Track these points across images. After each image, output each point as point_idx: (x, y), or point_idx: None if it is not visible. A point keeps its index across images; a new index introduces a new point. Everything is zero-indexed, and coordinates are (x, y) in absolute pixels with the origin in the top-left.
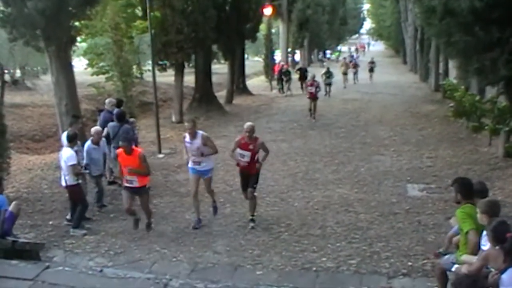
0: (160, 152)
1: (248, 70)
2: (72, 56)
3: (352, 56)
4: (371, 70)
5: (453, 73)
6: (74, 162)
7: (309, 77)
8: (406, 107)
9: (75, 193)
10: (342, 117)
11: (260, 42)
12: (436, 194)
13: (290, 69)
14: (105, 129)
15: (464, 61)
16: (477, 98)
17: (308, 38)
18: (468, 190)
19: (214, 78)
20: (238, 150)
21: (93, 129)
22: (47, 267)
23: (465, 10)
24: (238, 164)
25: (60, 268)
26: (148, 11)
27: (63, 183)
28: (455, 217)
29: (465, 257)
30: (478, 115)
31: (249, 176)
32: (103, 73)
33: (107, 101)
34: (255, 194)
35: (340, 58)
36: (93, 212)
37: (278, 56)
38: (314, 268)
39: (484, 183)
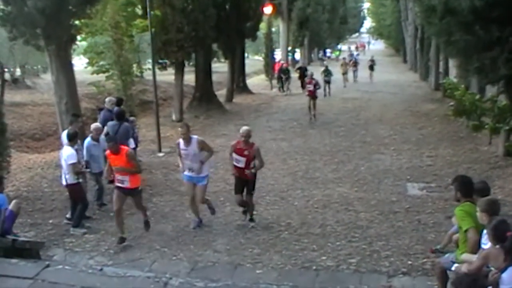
0: (160, 151)
1: (248, 69)
2: (72, 55)
3: (352, 55)
4: (371, 68)
5: (453, 72)
6: (75, 160)
7: (308, 76)
8: (406, 106)
9: (76, 192)
10: (342, 115)
11: (260, 41)
12: (436, 193)
13: (290, 68)
14: (105, 128)
15: (464, 60)
16: (477, 97)
17: (308, 37)
18: (468, 189)
19: (214, 77)
20: (234, 155)
21: (92, 126)
22: (47, 266)
23: (465, 9)
24: (233, 173)
25: (60, 266)
26: (148, 9)
27: (64, 182)
28: (455, 215)
29: (465, 256)
30: (478, 114)
31: (245, 182)
32: (103, 72)
33: (107, 99)
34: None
35: (340, 57)
36: (93, 210)
37: (278, 55)
38: (314, 267)
39: (486, 182)
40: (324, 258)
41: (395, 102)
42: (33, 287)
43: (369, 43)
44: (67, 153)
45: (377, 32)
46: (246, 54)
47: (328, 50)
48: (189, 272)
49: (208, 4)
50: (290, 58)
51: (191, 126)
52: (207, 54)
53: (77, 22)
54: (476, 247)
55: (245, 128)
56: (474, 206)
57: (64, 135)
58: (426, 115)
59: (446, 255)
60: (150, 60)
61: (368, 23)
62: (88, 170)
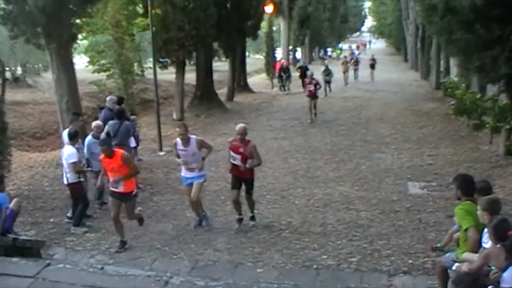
0: (161, 150)
1: (249, 68)
2: (73, 53)
3: (353, 54)
4: (372, 66)
5: (454, 71)
6: (75, 159)
7: (308, 76)
8: (407, 105)
9: (77, 191)
10: (343, 114)
11: (261, 39)
12: (437, 192)
13: (290, 66)
14: (106, 127)
15: (465, 59)
16: (478, 96)
17: (309, 35)
18: (469, 187)
19: (215, 76)
20: (230, 152)
21: (93, 123)
22: (48, 265)
23: (466, 8)
24: (231, 171)
25: (61, 265)
26: (149, 8)
27: (65, 181)
28: (455, 214)
29: (466, 255)
30: (479, 113)
31: (243, 180)
32: (104, 71)
33: (108, 98)
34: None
35: (341, 56)
36: (94, 209)
37: (279, 53)
38: (315, 266)
39: (488, 181)
40: (325, 257)
41: (396, 101)
42: (34, 286)
43: (370, 42)
44: (68, 152)
45: (378, 31)
46: (247, 53)
47: (329, 49)
48: (190, 271)
49: (209, 3)
50: (291, 57)
51: (192, 125)
52: (208, 53)
53: (78, 20)
54: (476, 246)
55: (240, 125)
56: (474, 205)
57: (65, 134)
58: (427, 114)
59: (447, 254)
60: (151, 59)
61: (369, 22)
62: (89, 169)
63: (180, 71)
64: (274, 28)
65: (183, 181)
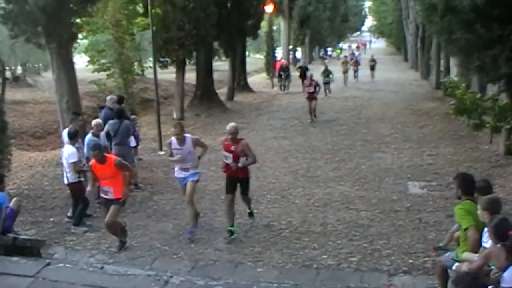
0: (161, 149)
1: (249, 67)
2: (73, 53)
3: (353, 54)
4: (372, 68)
5: (454, 70)
6: (75, 159)
7: (307, 77)
8: (407, 105)
9: (77, 191)
10: (343, 114)
11: (261, 39)
12: (437, 191)
13: (290, 66)
14: (106, 127)
15: (465, 58)
16: (478, 95)
17: (309, 35)
18: (469, 186)
19: (215, 75)
20: (223, 152)
21: (93, 122)
22: (48, 264)
23: (466, 8)
24: (225, 170)
25: (61, 265)
26: (149, 8)
27: (65, 181)
28: (454, 213)
29: (466, 255)
30: (479, 113)
31: (237, 181)
32: (104, 70)
33: (108, 98)
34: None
35: (342, 55)
36: (94, 209)
37: (279, 53)
38: (315, 266)
39: (488, 181)
40: (325, 256)
41: (396, 101)
42: (33, 285)
43: (370, 41)
44: (68, 152)
45: (378, 31)
46: (247, 53)
47: (329, 49)
48: (190, 271)
49: (209, 2)
50: (291, 56)
51: (192, 125)
52: (208, 52)
53: (78, 20)
54: (476, 246)
55: (231, 124)
56: (474, 204)
57: (64, 133)
58: (427, 114)
59: (447, 254)
60: (151, 58)
61: (369, 21)
62: (89, 170)
63: (180, 70)
64: (274, 28)
65: (179, 181)
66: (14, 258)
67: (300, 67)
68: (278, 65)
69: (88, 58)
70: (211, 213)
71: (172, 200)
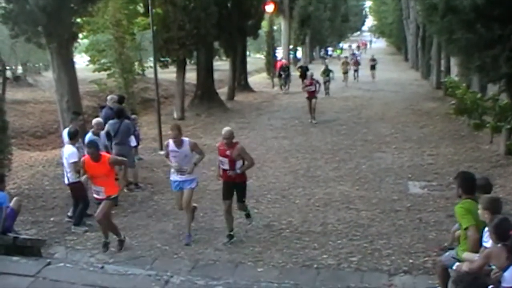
0: (161, 149)
1: (249, 67)
2: (73, 52)
3: (354, 54)
4: (373, 68)
5: (454, 70)
6: (76, 159)
7: (308, 77)
8: (408, 105)
9: (77, 191)
10: (343, 114)
11: (261, 39)
12: (437, 191)
13: (291, 66)
14: (106, 127)
15: (465, 58)
16: (479, 95)
17: (310, 35)
18: (470, 185)
19: (216, 75)
20: (219, 157)
21: (94, 120)
22: (48, 264)
23: (467, 8)
24: (221, 176)
25: (61, 264)
26: (150, 7)
27: (66, 181)
28: (455, 213)
29: (466, 255)
30: (479, 113)
31: (235, 186)
32: (105, 70)
33: (108, 97)
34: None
35: (342, 55)
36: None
37: (280, 53)
38: (315, 265)
39: (488, 179)
40: (325, 256)
41: (396, 101)
42: (34, 285)
43: (370, 41)
44: (68, 152)
45: (379, 31)
46: (247, 52)
47: (330, 49)
48: (190, 270)
49: (209, 2)
50: (291, 56)
51: (193, 125)
52: (209, 52)
53: (78, 20)
54: (476, 245)
55: (226, 129)
56: (475, 203)
57: (65, 133)
58: (428, 114)
59: (447, 253)
60: (151, 58)
61: (369, 21)
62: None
63: (181, 70)
64: (275, 28)
65: (172, 186)
66: (15, 258)
67: (301, 67)
68: (278, 65)
69: (88, 58)
70: (212, 213)
71: (172, 200)
